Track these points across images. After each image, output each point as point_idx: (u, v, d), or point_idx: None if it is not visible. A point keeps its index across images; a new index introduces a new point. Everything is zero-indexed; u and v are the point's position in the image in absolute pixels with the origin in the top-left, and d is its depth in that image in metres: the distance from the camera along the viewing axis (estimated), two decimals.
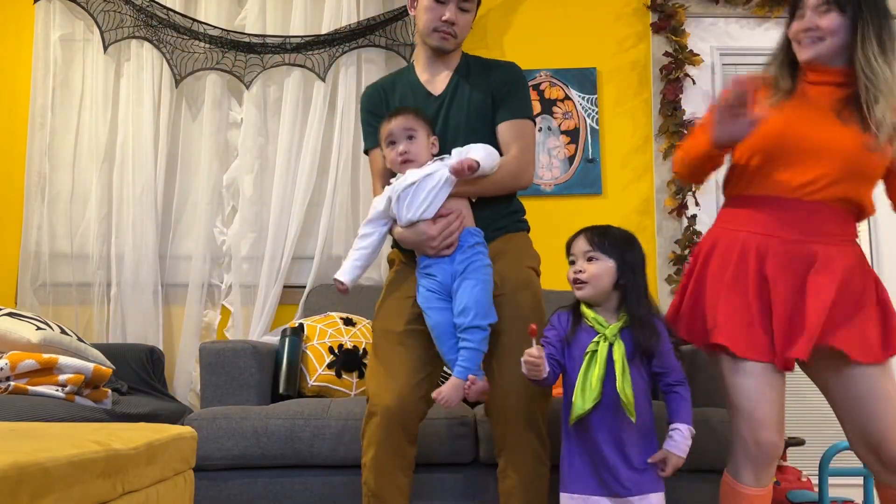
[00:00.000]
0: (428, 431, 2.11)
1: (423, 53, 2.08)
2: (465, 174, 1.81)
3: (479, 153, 1.85)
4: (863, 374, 1.72)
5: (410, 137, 1.88)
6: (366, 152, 2.12)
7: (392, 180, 1.91)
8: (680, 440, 1.68)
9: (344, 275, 1.89)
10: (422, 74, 2.07)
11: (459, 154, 1.87)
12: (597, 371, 1.65)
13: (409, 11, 2.08)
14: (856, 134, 1.75)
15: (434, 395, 1.78)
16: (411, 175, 1.85)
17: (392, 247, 2.09)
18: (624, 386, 1.62)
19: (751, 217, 1.82)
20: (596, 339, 1.69)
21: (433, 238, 1.83)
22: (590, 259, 1.74)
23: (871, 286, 1.79)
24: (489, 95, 2.01)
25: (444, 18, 1.96)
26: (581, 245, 1.76)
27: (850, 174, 1.78)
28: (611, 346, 1.67)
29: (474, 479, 2.16)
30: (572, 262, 1.77)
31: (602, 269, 1.73)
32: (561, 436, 1.74)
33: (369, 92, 2.13)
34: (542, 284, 2.99)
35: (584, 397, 1.64)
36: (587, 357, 1.67)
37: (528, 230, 2.14)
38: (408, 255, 1.98)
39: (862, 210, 1.85)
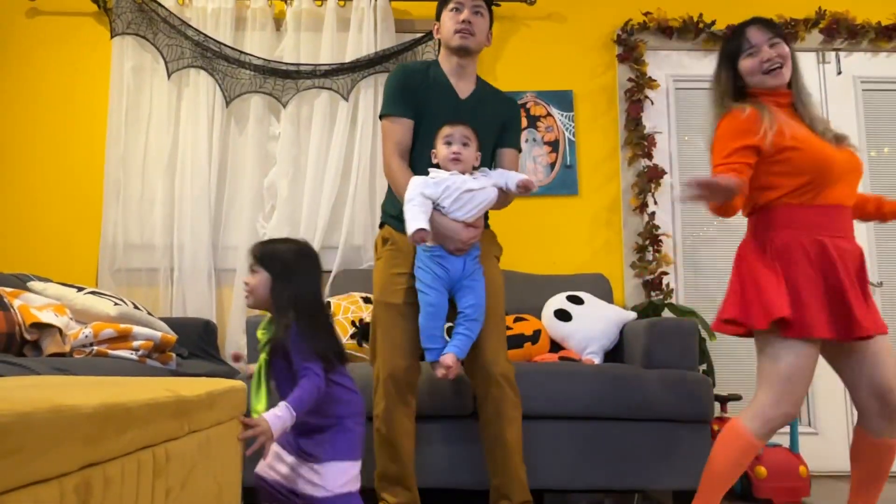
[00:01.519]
0: (433, 388, 2.11)
1: (447, 64, 2.02)
2: (529, 192, 1.88)
3: (522, 178, 1.88)
4: (874, 340, 1.71)
5: (465, 144, 1.86)
6: (383, 117, 1.99)
7: (431, 171, 1.87)
8: (278, 414, 1.48)
9: (420, 223, 1.73)
10: (450, 77, 2.02)
11: (506, 176, 1.89)
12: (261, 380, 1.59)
13: (435, 36, 2.06)
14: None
15: (444, 372, 1.78)
16: (470, 182, 1.83)
17: (381, 225, 2.05)
18: (254, 401, 1.55)
19: (809, 222, 1.73)
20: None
21: (462, 241, 1.81)
22: (252, 271, 1.63)
23: (865, 268, 1.77)
24: (500, 120, 2.02)
25: (461, 19, 1.95)
26: (248, 258, 1.66)
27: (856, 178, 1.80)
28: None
29: (471, 428, 2.16)
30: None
31: (259, 281, 1.61)
32: None
33: (409, 69, 2.04)
34: (525, 268, 3.04)
35: (258, 401, 1.56)
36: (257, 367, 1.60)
37: (489, 226, 2.08)
38: (401, 235, 1.90)
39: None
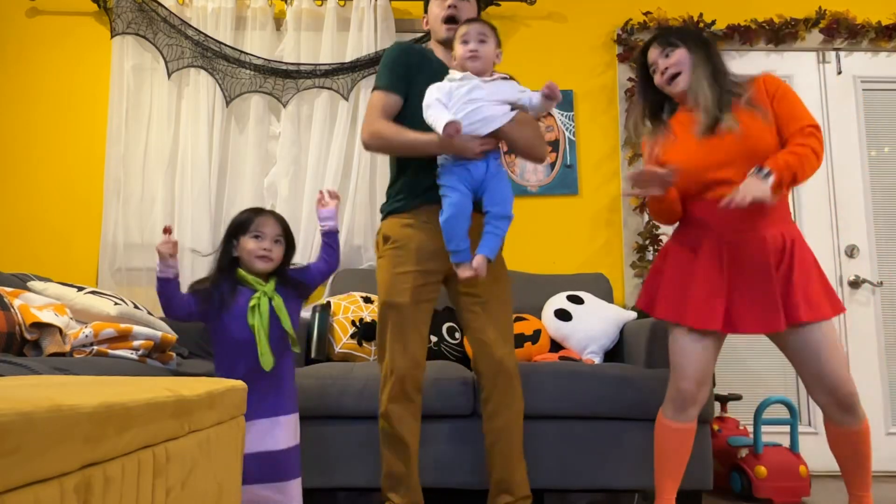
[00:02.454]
0: (435, 389, 2.13)
1: (438, 52, 2.00)
2: (558, 99, 1.73)
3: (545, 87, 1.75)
4: (812, 329, 1.76)
5: (482, 41, 1.79)
6: (378, 88, 1.94)
7: (451, 72, 1.80)
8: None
9: (449, 116, 1.68)
10: (444, 60, 1.97)
11: (527, 93, 1.78)
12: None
13: (424, 27, 2.05)
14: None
15: (471, 273, 1.71)
16: (476, 91, 1.73)
17: (382, 219, 2.00)
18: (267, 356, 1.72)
19: (700, 221, 1.87)
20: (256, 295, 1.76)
21: (476, 149, 1.73)
22: (277, 241, 1.83)
23: (804, 254, 1.80)
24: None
25: (448, 5, 1.93)
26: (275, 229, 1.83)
27: (750, 161, 1.78)
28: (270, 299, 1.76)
29: (473, 428, 2.17)
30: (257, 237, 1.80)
31: (281, 250, 1.85)
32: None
33: (407, 47, 2.00)
34: (525, 268, 3.04)
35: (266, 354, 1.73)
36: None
37: None
38: (403, 232, 1.90)
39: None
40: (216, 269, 1.81)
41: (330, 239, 1.92)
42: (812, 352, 1.77)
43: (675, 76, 1.88)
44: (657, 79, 1.92)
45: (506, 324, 1.91)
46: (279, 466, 1.73)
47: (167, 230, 1.75)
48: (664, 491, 1.89)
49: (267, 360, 1.71)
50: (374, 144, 1.94)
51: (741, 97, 1.84)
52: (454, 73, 1.80)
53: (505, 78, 1.83)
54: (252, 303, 1.73)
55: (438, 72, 1.93)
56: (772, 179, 1.68)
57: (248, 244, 1.79)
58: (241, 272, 1.79)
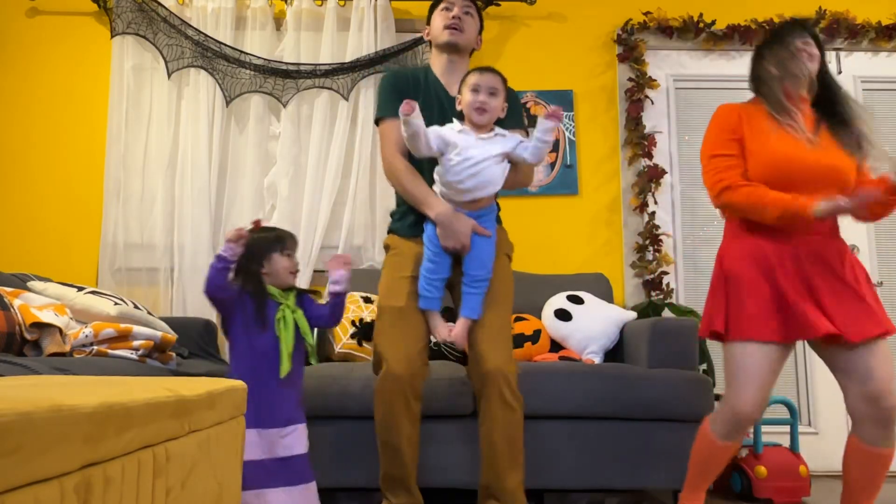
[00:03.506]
0: (434, 389, 2.12)
1: (438, 63, 2.02)
2: (559, 120, 1.77)
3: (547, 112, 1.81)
4: (864, 345, 1.70)
5: (492, 94, 1.81)
6: (378, 121, 2.00)
7: (454, 122, 1.83)
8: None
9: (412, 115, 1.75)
10: (441, 77, 2.01)
11: (521, 144, 1.82)
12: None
13: (425, 38, 2.07)
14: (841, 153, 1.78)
15: (453, 336, 1.80)
16: (474, 150, 1.77)
17: (388, 232, 2.06)
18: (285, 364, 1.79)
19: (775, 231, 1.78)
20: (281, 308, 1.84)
21: (461, 240, 1.80)
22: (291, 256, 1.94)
23: (855, 271, 1.76)
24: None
25: (451, 15, 1.95)
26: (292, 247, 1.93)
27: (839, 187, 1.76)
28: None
29: (472, 428, 2.16)
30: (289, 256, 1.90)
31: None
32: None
33: (399, 72, 2.07)
34: (525, 268, 3.04)
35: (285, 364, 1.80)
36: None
37: (501, 223, 2.06)
38: (404, 241, 1.96)
39: None
40: (251, 284, 1.84)
41: (338, 299, 1.92)
42: (862, 364, 1.70)
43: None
44: (804, 59, 1.83)
45: (499, 331, 1.86)
46: (297, 469, 1.79)
47: (256, 225, 1.89)
48: (697, 489, 1.85)
49: (285, 368, 1.78)
50: (390, 180, 1.99)
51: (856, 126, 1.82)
52: (456, 125, 1.83)
53: (502, 135, 1.85)
54: (278, 315, 1.81)
55: (435, 88, 1.97)
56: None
57: (283, 261, 1.87)
58: (270, 288, 1.86)
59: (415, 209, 1.93)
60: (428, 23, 2.07)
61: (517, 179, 1.93)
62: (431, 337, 1.90)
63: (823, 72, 1.89)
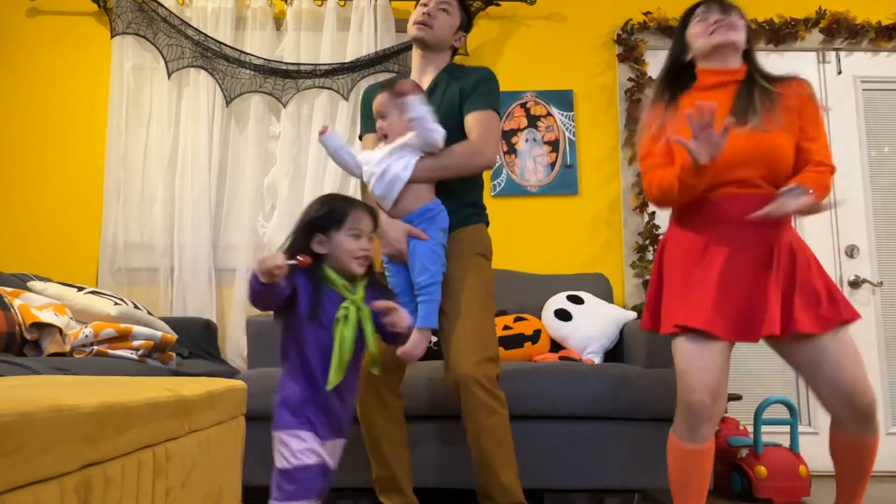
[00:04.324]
0: (431, 389, 2.12)
1: (414, 59, 2.03)
2: (402, 95, 1.69)
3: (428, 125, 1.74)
4: (822, 339, 1.60)
5: (383, 117, 1.79)
6: (360, 137, 2.06)
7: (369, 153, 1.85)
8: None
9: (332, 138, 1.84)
10: (413, 75, 2.01)
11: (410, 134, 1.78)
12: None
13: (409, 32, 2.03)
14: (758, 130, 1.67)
15: (399, 353, 1.68)
16: (377, 161, 1.78)
17: None
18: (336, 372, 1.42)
19: (706, 216, 1.71)
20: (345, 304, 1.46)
21: (399, 249, 1.77)
22: (372, 239, 1.61)
23: (808, 261, 1.67)
24: (458, 94, 1.89)
25: (423, 11, 1.93)
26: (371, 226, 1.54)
27: (768, 166, 1.68)
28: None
29: (458, 428, 2.15)
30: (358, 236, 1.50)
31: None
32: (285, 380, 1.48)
33: (370, 87, 2.07)
34: (525, 268, 3.04)
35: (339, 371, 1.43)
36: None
37: (485, 223, 1.98)
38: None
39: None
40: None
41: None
42: (826, 361, 1.59)
43: (727, 29, 1.73)
44: (700, 28, 1.76)
45: (470, 336, 1.77)
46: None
47: (304, 262, 1.43)
48: None
49: (336, 377, 1.41)
50: None
51: (772, 95, 1.72)
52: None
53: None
54: (341, 313, 1.43)
55: None
56: (808, 198, 1.56)
57: (347, 243, 1.46)
58: (331, 273, 1.46)
59: None
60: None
61: (445, 163, 1.80)
62: (433, 338, 1.89)
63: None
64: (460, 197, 1.89)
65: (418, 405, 2.12)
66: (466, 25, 2.04)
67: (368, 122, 1.96)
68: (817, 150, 1.73)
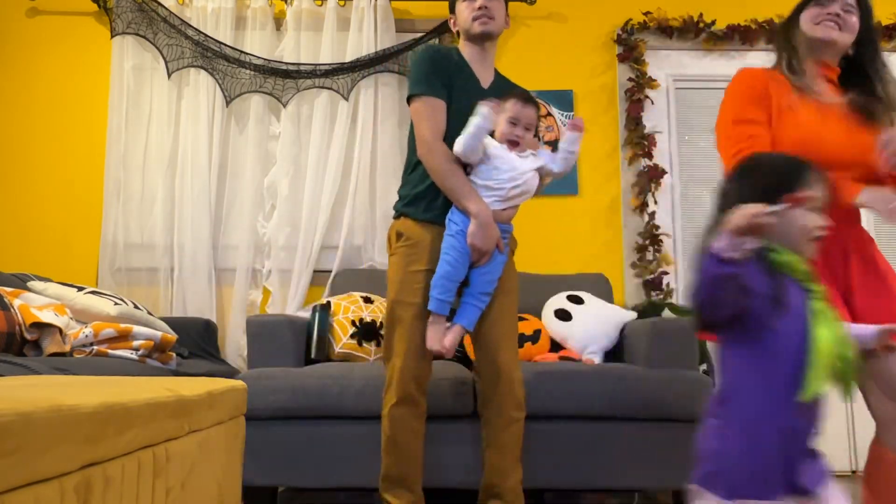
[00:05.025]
0: (436, 389, 2.10)
1: (468, 51, 1.95)
2: (582, 130, 1.82)
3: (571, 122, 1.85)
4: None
5: (528, 129, 1.81)
6: (415, 97, 1.86)
7: (491, 143, 1.79)
8: None
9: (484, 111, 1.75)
10: (472, 65, 1.94)
11: (551, 156, 1.84)
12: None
13: (453, 29, 2.00)
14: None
15: (441, 347, 1.75)
16: (519, 165, 1.79)
17: (396, 217, 1.95)
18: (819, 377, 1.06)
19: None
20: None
21: (490, 249, 1.78)
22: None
23: (884, 259, 1.56)
24: None
25: (478, 6, 1.88)
26: None
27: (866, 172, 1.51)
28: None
29: (473, 428, 2.14)
30: None
31: None
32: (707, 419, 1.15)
33: (439, 50, 1.94)
34: (525, 268, 3.04)
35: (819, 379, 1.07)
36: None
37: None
38: (419, 227, 1.87)
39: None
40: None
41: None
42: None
43: (841, 27, 1.59)
44: (819, 13, 1.59)
45: (511, 333, 1.88)
46: None
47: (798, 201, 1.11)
48: None
49: (814, 386, 1.07)
50: (426, 163, 1.84)
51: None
52: (490, 140, 1.81)
53: (534, 154, 1.84)
54: (815, 305, 1.09)
55: (469, 77, 1.92)
56: None
57: (803, 217, 1.11)
58: (787, 256, 1.10)
59: (442, 194, 1.84)
60: (451, 11, 1.99)
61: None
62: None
63: (865, 37, 1.63)
64: None
65: (437, 406, 2.11)
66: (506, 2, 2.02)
67: (441, 89, 1.85)
68: None
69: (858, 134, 1.54)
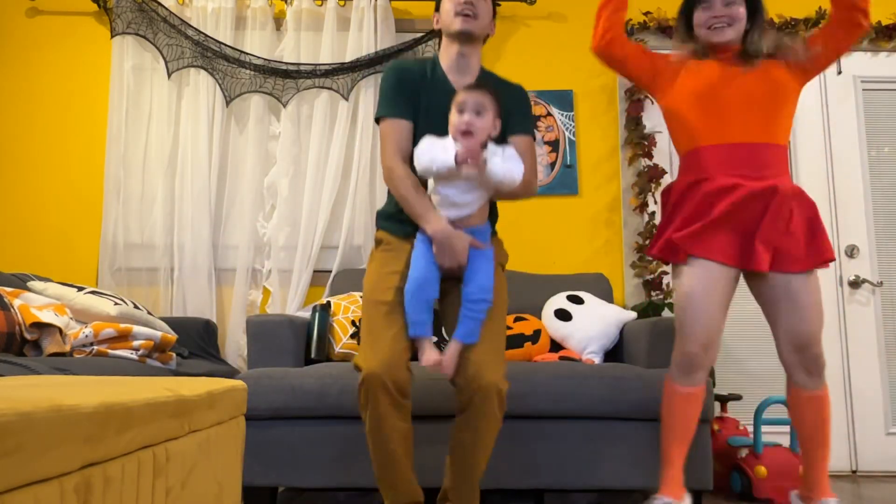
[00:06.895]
0: (432, 390, 2.11)
1: (447, 55, 1.87)
2: (472, 165, 1.63)
3: (506, 166, 1.68)
4: (792, 279, 1.83)
5: (478, 112, 1.67)
6: (380, 119, 1.84)
7: (444, 146, 1.68)
8: None
9: (452, 149, 1.67)
10: (448, 74, 1.86)
11: (504, 158, 1.69)
12: None
13: (435, 27, 1.92)
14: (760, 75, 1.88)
15: (435, 363, 1.65)
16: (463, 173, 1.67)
17: (378, 229, 1.92)
18: None
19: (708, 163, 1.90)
20: None
21: (460, 262, 1.71)
22: None
23: (798, 206, 1.86)
24: (503, 109, 1.79)
25: (464, 1, 1.79)
26: None
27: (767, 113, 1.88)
28: None
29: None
30: None
31: None
32: None
33: (403, 67, 1.87)
34: (525, 268, 3.04)
35: None
36: None
37: (497, 234, 1.96)
38: (396, 236, 1.84)
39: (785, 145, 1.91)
40: None
41: None
42: (791, 302, 1.82)
43: (727, 26, 1.90)
44: (705, 17, 1.92)
45: (494, 345, 1.74)
46: None
47: None
48: (673, 458, 1.91)
49: None
50: (388, 185, 1.83)
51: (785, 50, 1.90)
52: (450, 142, 1.71)
53: (494, 153, 1.72)
54: None
55: (440, 86, 1.84)
56: None
57: None
58: None
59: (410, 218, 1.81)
60: (437, 9, 1.90)
61: (512, 191, 1.77)
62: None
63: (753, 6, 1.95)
64: (496, 212, 1.95)
65: (416, 406, 2.11)
66: (494, 9, 1.94)
67: (404, 109, 1.80)
68: None
69: (757, 79, 1.88)
